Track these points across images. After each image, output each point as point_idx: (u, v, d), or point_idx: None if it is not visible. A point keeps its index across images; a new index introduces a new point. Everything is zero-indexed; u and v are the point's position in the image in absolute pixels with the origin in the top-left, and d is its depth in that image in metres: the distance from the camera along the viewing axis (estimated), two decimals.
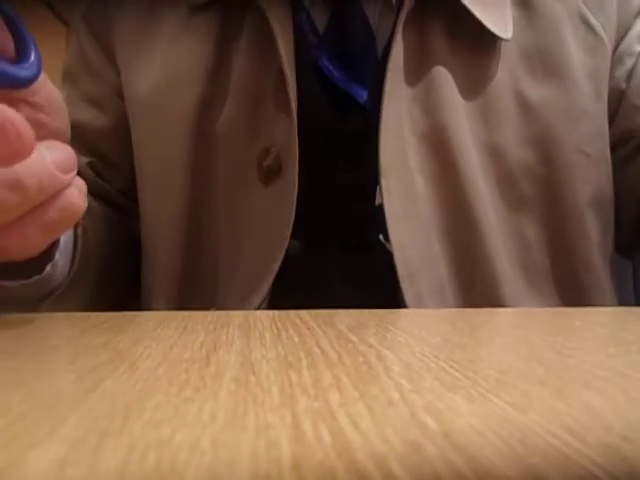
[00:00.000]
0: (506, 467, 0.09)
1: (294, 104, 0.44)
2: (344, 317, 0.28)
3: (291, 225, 0.43)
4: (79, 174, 0.42)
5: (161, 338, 0.22)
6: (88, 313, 0.32)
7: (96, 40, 0.53)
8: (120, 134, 0.52)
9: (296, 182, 0.43)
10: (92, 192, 0.50)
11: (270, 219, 0.44)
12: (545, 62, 0.47)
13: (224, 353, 0.19)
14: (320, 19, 0.47)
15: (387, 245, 0.43)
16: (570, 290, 0.47)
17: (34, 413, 0.12)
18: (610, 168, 0.49)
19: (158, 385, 0.15)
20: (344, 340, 0.22)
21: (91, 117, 0.53)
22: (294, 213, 0.43)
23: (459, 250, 0.45)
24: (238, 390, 0.14)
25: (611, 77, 0.49)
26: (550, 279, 0.47)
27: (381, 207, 0.43)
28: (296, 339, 0.22)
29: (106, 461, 0.10)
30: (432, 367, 0.17)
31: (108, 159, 0.53)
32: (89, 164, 0.53)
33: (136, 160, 0.51)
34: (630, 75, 0.49)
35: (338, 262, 0.45)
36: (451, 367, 0.17)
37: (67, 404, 0.13)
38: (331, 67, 0.46)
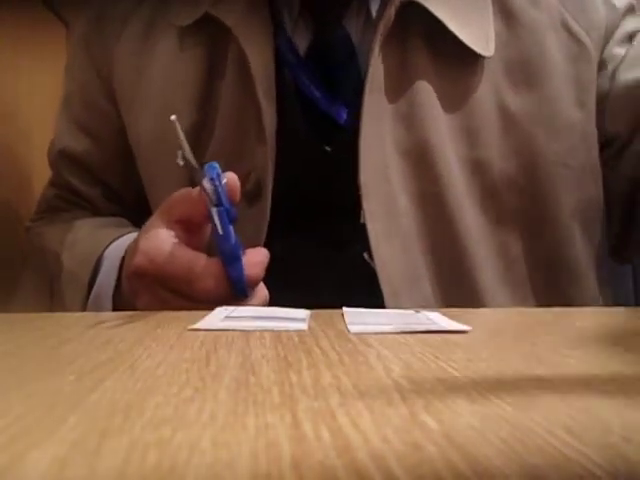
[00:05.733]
0: (506, 467, 0.09)
1: (269, 131, 0.44)
2: (343, 317, 0.28)
3: (262, 244, 0.43)
4: (89, 201, 0.58)
5: (161, 338, 0.22)
6: (88, 313, 0.32)
7: (98, 78, 0.54)
8: (119, 166, 0.55)
9: (268, 206, 0.44)
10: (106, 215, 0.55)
11: (250, 238, 0.44)
12: (527, 74, 0.47)
13: (224, 353, 0.19)
14: (303, 39, 0.47)
15: (372, 264, 0.43)
16: (555, 302, 0.47)
17: (34, 413, 0.12)
18: (598, 175, 0.48)
19: (158, 385, 0.15)
20: (344, 340, 0.22)
21: (89, 149, 0.55)
22: (264, 235, 0.44)
23: (443, 267, 0.45)
24: (238, 390, 0.14)
25: (597, 81, 0.49)
26: (535, 292, 0.47)
27: (365, 226, 0.43)
28: (296, 339, 0.22)
29: (106, 461, 0.10)
30: (432, 367, 0.17)
31: (111, 187, 0.56)
32: (100, 193, 0.56)
33: (145, 182, 0.53)
34: (612, 78, 0.49)
35: (324, 279, 0.45)
36: (451, 367, 0.17)
37: (67, 404, 0.13)
38: (312, 87, 0.46)
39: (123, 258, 0.43)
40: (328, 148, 0.47)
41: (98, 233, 0.49)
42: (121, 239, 0.46)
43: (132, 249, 0.40)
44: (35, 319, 0.30)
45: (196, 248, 0.36)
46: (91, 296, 0.44)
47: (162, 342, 0.21)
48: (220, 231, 0.34)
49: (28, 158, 0.88)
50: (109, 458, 0.10)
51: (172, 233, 0.36)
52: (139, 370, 0.17)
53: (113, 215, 0.56)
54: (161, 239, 0.36)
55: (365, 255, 0.44)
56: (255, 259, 0.36)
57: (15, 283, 0.57)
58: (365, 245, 0.43)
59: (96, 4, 0.55)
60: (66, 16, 0.99)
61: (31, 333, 0.25)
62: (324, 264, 0.40)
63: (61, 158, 0.55)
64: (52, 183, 0.59)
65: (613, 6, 0.50)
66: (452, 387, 0.15)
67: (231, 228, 0.34)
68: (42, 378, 0.16)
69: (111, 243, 0.45)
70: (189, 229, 0.37)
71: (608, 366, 0.18)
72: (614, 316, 0.30)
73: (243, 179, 0.46)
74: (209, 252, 0.37)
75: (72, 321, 0.29)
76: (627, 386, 0.15)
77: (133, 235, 0.45)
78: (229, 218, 0.34)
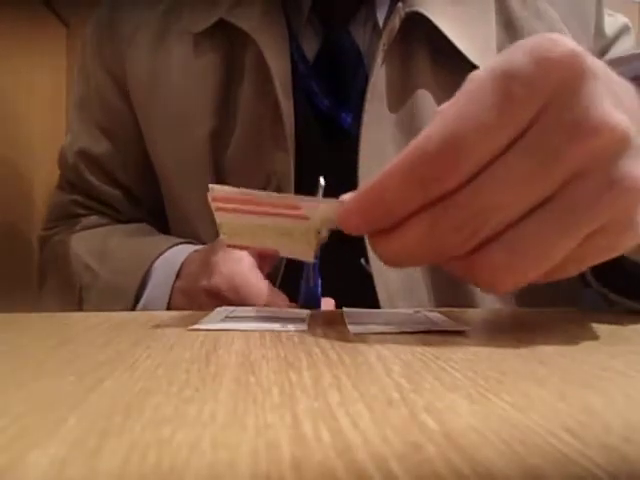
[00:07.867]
0: (506, 467, 0.09)
1: (290, 136, 0.45)
2: (343, 317, 0.28)
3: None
4: (109, 205, 0.57)
5: (161, 338, 0.22)
6: (88, 313, 0.32)
7: (112, 80, 0.54)
8: (139, 170, 0.54)
9: None
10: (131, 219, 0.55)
11: None
12: None
13: (224, 353, 0.19)
14: (312, 46, 0.48)
15: (368, 268, 0.43)
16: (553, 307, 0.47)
17: (34, 413, 0.12)
18: None
19: (158, 385, 0.15)
20: (344, 340, 0.22)
21: (109, 150, 0.55)
22: None
23: (439, 272, 0.45)
24: (238, 390, 0.14)
25: None
26: (532, 298, 0.47)
27: None
28: (296, 339, 0.22)
29: (106, 461, 0.10)
30: (432, 367, 0.17)
31: (131, 191, 0.56)
32: (121, 195, 0.56)
33: (163, 188, 0.53)
34: None
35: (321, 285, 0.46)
36: (451, 367, 0.17)
37: (67, 404, 0.13)
38: (319, 93, 0.47)
39: (178, 271, 0.43)
40: (336, 152, 0.47)
41: (136, 243, 0.49)
42: (170, 251, 0.46)
43: (201, 265, 0.41)
44: (35, 319, 0.30)
45: (261, 269, 0.38)
46: (139, 307, 0.44)
47: (162, 342, 0.21)
48: (311, 282, 0.36)
49: (28, 159, 0.88)
50: (109, 458, 0.10)
51: (253, 261, 0.38)
52: (139, 370, 0.17)
53: (133, 220, 0.55)
54: (245, 267, 0.38)
55: (362, 260, 0.44)
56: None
57: (14, 290, 0.57)
58: (361, 251, 0.43)
59: (106, 8, 0.55)
60: (66, 16, 0.99)
61: (31, 333, 0.25)
62: (321, 267, 0.40)
63: (81, 158, 0.55)
64: (63, 188, 0.58)
65: (603, 34, 0.52)
66: (452, 387, 0.15)
67: (320, 281, 0.36)
68: (42, 378, 0.16)
69: (160, 255, 0.45)
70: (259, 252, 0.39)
71: (608, 366, 0.18)
72: (614, 316, 0.30)
73: (263, 184, 0.46)
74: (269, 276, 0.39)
75: (72, 321, 0.29)
76: (627, 386, 0.15)
77: (185, 248, 0.46)
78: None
